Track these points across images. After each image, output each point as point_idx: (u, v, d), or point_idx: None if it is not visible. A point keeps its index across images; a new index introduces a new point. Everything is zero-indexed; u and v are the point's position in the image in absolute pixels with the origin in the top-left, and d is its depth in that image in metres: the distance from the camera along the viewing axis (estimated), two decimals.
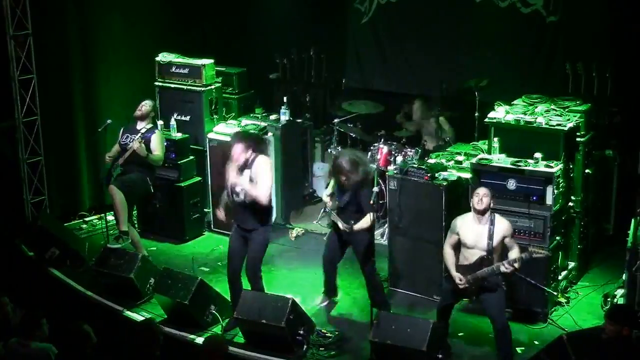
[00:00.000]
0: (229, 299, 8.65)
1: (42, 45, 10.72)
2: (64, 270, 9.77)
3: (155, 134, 9.89)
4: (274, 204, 10.31)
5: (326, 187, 8.79)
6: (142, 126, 9.85)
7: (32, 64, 10.56)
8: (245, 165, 8.15)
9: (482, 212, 7.51)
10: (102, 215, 10.55)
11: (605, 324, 6.42)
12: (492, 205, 7.57)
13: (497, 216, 7.63)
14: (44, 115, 10.76)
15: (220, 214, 8.54)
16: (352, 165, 8.19)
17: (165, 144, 10.14)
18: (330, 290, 9.01)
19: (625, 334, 6.32)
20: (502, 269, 7.40)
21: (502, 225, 7.56)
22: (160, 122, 10.77)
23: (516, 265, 7.40)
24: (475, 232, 7.56)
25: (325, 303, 9.08)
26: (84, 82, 11.32)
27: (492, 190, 7.70)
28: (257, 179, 8.13)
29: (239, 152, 8.16)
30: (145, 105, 9.91)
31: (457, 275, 7.56)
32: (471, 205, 7.61)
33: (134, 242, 9.80)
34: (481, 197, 7.51)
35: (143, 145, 9.63)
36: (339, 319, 8.76)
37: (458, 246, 7.72)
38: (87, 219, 11.36)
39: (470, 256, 7.57)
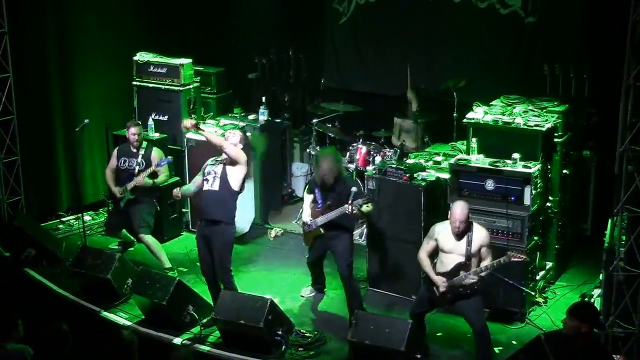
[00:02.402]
0: (207, 299, 8.64)
1: (18, 44, 10.64)
2: (40, 270, 9.69)
3: (154, 153, 9.82)
4: (252, 204, 10.37)
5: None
6: (138, 148, 9.82)
7: (8, 62, 10.46)
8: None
9: (461, 235, 7.51)
10: (79, 215, 10.48)
11: (566, 319, 6.46)
12: (469, 218, 7.54)
13: (476, 224, 7.62)
14: (20, 115, 10.67)
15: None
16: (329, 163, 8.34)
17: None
18: (318, 284, 9.16)
19: (584, 331, 6.35)
20: (484, 269, 7.39)
21: (481, 234, 7.56)
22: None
23: (497, 266, 7.39)
24: (454, 238, 7.55)
25: (312, 294, 9.16)
26: (61, 81, 11.25)
27: (467, 192, 7.71)
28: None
29: (235, 138, 8.44)
30: (134, 136, 9.74)
31: (439, 279, 7.52)
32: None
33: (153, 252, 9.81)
34: (458, 224, 7.46)
35: (146, 179, 9.64)
36: (318, 319, 8.75)
37: (434, 253, 7.71)
38: (64, 219, 11.29)
39: (448, 262, 7.55)
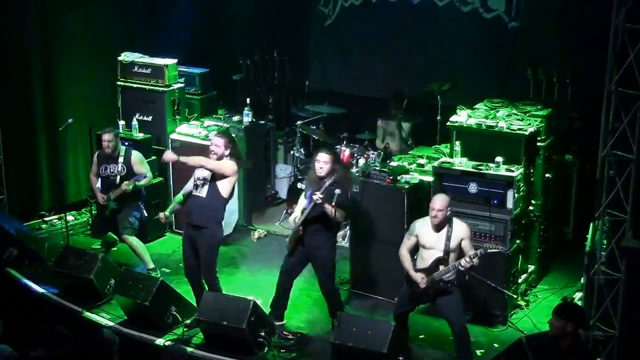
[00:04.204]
0: (190, 299, 8.64)
1: (1, 43, 10.58)
2: (22, 270, 9.64)
3: (133, 157, 9.75)
4: (235, 205, 10.36)
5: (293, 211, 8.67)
6: (116, 154, 9.70)
7: None
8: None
9: (439, 226, 7.59)
10: (62, 215, 10.44)
11: (552, 319, 6.53)
12: (449, 212, 7.62)
13: (455, 219, 7.70)
14: (3, 114, 10.61)
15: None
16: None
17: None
18: (278, 310, 8.54)
19: (569, 331, 6.41)
20: (463, 263, 7.44)
21: (460, 228, 7.65)
22: (121, 123, 10.71)
23: (475, 261, 7.45)
24: (434, 234, 7.63)
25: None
26: (44, 80, 11.19)
27: (450, 195, 7.79)
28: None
29: (219, 144, 8.35)
30: (105, 143, 9.67)
31: (418, 275, 7.61)
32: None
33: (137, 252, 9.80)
34: (435, 213, 7.57)
35: (131, 185, 9.54)
36: (301, 320, 8.74)
37: (415, 249, 7.78)
38: (46, 218, 11.24)
39: (428, 257, 7.64)
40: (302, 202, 8.50)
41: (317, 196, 7.95)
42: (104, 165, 9.78)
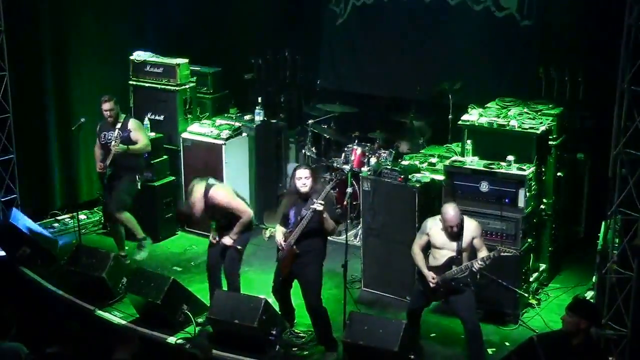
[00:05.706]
0: (202, 298, 8.66)
1: (14, 42, 10.61)
2: (35, 269, 9.69)
3: (130, 123, 9.82)
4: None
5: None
6: (117, 122, 9.78)
7: (4, 60, 10.43)
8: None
9: (455, 236, 7.59)
10: (74, 214, 10.48)
11: (565, 316, 6.53)
12: (459, 217, 7.60)
13: (466, 218, 7.70)
14: (16, 113, 10.64)
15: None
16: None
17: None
18: (287, 314, 8.53)
19: (582, 327, 6.41)
20: (476, 265, 7.45)
21: (471, 226, 7.65)
22: None
23: (487, 262, 7.46)
24: (445, 233, 7.63)
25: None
26: (57, 79, 11.23)
27: (461, 194, 7.78)
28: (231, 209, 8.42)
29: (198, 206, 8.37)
30: (106, 112, 9.72)
31: (429, 274, 7.62)
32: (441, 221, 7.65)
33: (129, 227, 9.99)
34: (455, 228, 7.53)
35: (120, 145, 9.62)
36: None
37: (427, 247, 7.79)
38: (59, 217, 11.28)
39: (440, 257, 7.65)
40: (281, 229, 8.22)
41: (318, 203, 7.68)
42: (104, 132, 9.86)
